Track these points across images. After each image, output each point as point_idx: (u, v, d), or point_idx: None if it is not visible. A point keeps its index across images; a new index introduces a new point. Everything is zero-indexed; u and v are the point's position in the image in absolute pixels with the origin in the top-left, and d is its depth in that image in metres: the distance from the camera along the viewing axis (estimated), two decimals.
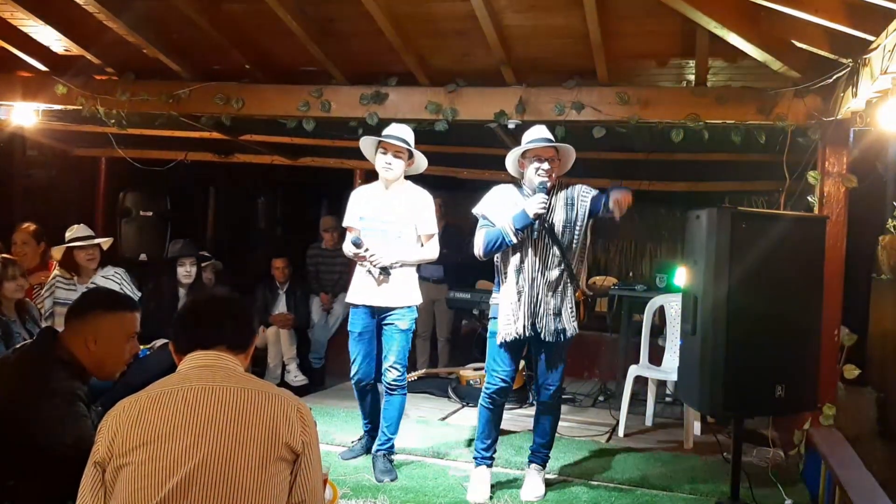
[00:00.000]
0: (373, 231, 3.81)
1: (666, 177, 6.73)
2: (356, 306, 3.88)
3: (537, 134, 3.60)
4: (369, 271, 3.80)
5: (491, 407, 3.65)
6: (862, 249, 4.59)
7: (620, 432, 4.78)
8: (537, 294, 3.49)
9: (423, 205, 3.87)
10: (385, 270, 3.76)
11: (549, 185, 3.47)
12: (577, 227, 3.55)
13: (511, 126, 4.59)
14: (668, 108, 4.33)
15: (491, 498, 3.56)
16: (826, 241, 3.42)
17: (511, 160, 3.65)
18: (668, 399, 5.46)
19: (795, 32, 3.60)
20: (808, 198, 4.26)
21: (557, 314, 3.52)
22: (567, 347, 3.62)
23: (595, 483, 3.83)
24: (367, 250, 3.74)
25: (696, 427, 4.68)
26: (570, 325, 3.55)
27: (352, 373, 3.94)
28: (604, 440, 4.68)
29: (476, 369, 5.66)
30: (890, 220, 4.40)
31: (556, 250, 3.51)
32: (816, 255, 3.30)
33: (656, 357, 5.05)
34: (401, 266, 3.81)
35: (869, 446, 4.08)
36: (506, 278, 3.58)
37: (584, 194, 3.57)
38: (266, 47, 4.75)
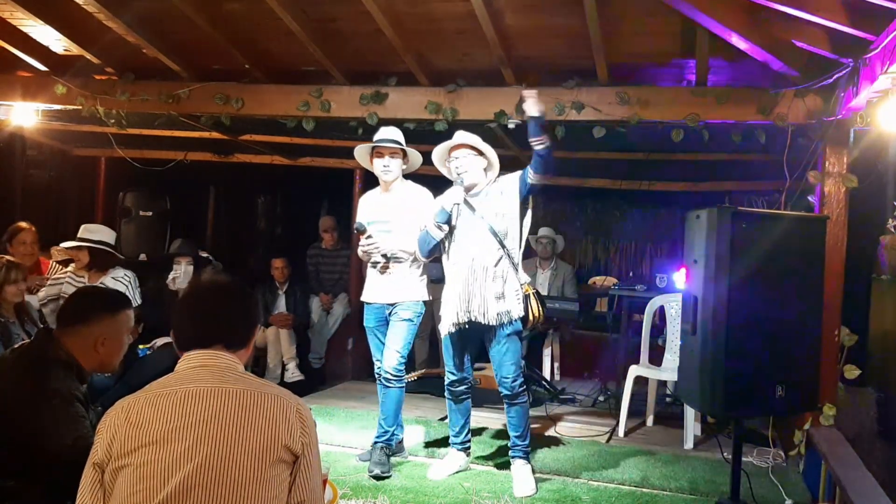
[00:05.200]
0: (378, 232, 3.94)
1: (666, 177, 6.74)
2: (369, 304, 4.04)
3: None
4: (375, 263, 3.95)
5: (449, 398, 3.93)
6: (862, 249, 4.58)
7: (620, 432, 4.78)
8: (471, 280, 3.62)
9: (422, 201, 3.97)
10: (386, 257, 3.91)
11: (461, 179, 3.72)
12: (512, 214, 3.66)
13: (511, 126, 4.58)
14: (668, 108, 4.34)
15: (487, 498, 3.56)
16: (826, 241, 3.42)
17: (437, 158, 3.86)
18: (668, 399, 5.46)
19: (795, 32, 3.60)
20: (809, 198, 4.25)
21: (500, 297, 3.60)
22: (516, 337, 3.69)
23: (595, 483, 3.83)
24: (369, 237, 3.89)
25: (696, 427, 4.67)
26: (515, 307, 3.62)
27: (376, 368, 4.05)
28: (604, 440, 4.68)
29: (475, 370, 5.64)
30: (890, 220, 4.39)
31: (491, 237, 3.63)
32: (816, 256, 3.30)
33: (656, 357, 5.05)
34: (404, 255, 3.91)
35: (869, 446, 4.07)
36: (447, 275, 3.78)
37: (511, 179, 3.71)
38: (266, 47, 4.74)
